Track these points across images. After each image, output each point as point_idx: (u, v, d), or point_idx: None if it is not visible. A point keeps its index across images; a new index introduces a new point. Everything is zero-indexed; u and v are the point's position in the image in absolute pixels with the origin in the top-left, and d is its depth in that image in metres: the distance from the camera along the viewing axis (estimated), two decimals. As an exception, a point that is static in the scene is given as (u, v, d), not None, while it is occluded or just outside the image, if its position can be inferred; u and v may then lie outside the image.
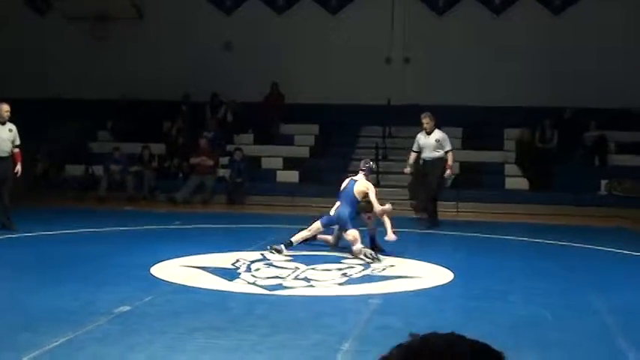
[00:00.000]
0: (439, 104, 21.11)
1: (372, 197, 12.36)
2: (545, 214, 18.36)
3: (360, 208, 12.44)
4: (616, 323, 8.11)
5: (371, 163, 13.38)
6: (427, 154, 16.04)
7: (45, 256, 11.70)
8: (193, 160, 20.71)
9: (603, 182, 20.01)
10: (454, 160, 16.63)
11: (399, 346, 1.67)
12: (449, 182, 17.89)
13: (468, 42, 22.38)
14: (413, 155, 16.33)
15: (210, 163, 20.63)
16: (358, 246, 11.94)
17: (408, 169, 16.47)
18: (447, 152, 15.93)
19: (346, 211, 12.27)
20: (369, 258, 11.65)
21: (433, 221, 15.95)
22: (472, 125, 21.66)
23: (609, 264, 12.34)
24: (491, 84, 21.94)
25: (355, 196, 12.38)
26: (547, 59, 21.80)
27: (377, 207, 12.31)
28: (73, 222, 15.48)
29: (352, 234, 12.06)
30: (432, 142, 15.94)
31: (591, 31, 21.79)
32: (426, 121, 16.07)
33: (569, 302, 9.22)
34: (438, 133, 16.07)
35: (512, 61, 21.92)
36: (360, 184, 12.50)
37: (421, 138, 16.14)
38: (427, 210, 16.20)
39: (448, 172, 15.98)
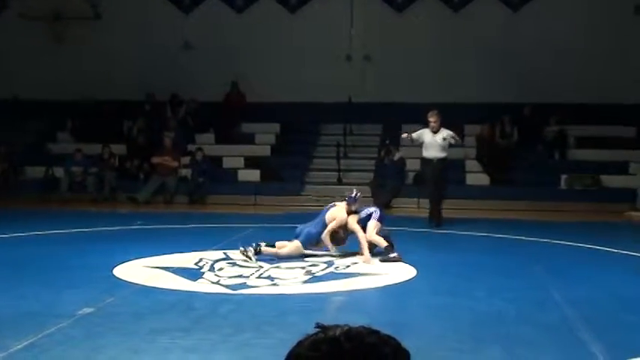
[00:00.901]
0: (399, 101, 21.26)
1: (330, 225, 11.84)
2: (506, 210, 18.50)
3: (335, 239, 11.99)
4: (576, 316, 8.20)
5: (356, 193, 12.33)
6: (432, 154, 15.57)
7: (4, 259, 11.55)
8: (155, 160, 20.58)
9: (563, 177, 20.20)
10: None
11: (302, 342, 1.66)
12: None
13: (427, 39, 22.48)
14: (410, 136, 15.75)
15: (175, 164, 20.52)
16: (278, 252, 11.69)
17: (405, 135, 15.87)
18: (452, 137, 15.54)
19: (311, 230, 11.94)
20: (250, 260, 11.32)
21: (439, 220, 15.75)
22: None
23: (569, 258, 12.45)
24: (451, 80, 22.07)
25: (325, 220, 11.97)
26: (507, 55, 21.96)
27: (324, 235, 11.86)
28: (34, 224, 15.32)
29: (295, 244, 11.79)
30: (438, 141, 15.46)
31: (549, 27, 22.00)
32: (434, 119, 15.53)
33: (531, 296, 9.30)
34: (443, 132, 15.55)
35: (472, 58, 22.08)
36: (335, 211, 12.05)
37: (426, 135, 15.57)
38: (433, 211, 15.92)
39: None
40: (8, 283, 9.73)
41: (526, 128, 21.26)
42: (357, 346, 1.61)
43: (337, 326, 1.66)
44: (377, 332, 1.65)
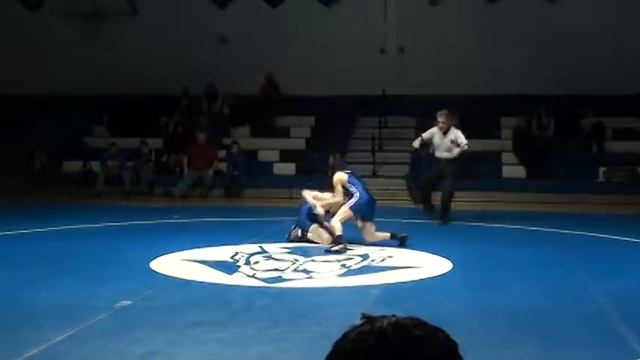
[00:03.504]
0: (434, 94, 21.14)
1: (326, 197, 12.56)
2: (543, 202, 18.37)
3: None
4: (614, 309, 8.14)
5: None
6: (442, 154, 15.06)
7: (43, 252, 11.68)
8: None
9: (601, 169, 20.03)
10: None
11: (345, 336, 1.66)
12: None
13: (462, 30, 22.35)
14: (418, 140, 15.48)
15: (216, 164, 20.68)
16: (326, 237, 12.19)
17: (416, 143, 15.46)
18: (461, 147, 14.90)
19: (305, 209, 12.66)
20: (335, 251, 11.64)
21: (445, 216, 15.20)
22: (468, 114, 21.62)
23: (607, 251, 12.36)
24: (486, 72, 21.91)
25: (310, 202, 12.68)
26: (543, 46, 21.77)
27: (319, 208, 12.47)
28: (71, 218, 15.47)
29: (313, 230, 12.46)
30: (447, 142, 14.92)
31: (585, 18, 21.77)
32: (442, 119, 14.97)
33: (567, 290, 9.25)
34: (453, 132, 14.99)
35: (507, 49, 21.91)
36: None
37: (436, 136, 15.08)
38: (442, 201, 15.33)
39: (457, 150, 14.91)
40: (47, 277, 9.85)
41: (563, 120, 21.09)
42: (403, 339, 1.60)
43: (384, 317, 1.64)
44: (424, 324, 1.63)
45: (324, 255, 11.40)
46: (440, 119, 15.04)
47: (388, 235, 12.18)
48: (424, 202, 15.74)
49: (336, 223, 11.88)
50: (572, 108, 21.18)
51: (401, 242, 12.10)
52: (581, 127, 21.17)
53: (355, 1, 22.97)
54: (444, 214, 15.19)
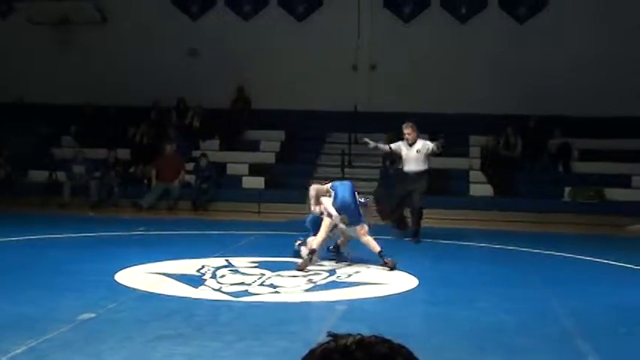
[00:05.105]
0: (405, 111, 21.20)
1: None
2: (510, 221, 18.47)
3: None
4: (575, 327, 8.20)
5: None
6: (411, 167, 15.06)
7: (4, 263, 11.56)
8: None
9: (567, 189, 20.17)
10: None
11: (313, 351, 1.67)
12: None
13: (434, 49, 22.49)
14: (384, 147, 15.71)
15: (183, 176, 20.50)
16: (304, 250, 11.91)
17: (372, 144, 15.52)
18: (432, 150, 15.06)
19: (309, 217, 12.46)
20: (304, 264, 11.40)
21: (417, 234, 15.18)
22: (438, 132, 21.73)
23: (571, 270, 12.45)
24: (457, 91, 22.08)
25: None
26: (512, 67, 21.97)
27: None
28: (35, 228, 15.30)
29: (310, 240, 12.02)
30: (414, 153, 15.00)
31: (556, 40, 22.00)
32: (408, 131, 15.03)
33: (531, 308, 9.30)
34: (419, 143, 15.11)
35: (477, 69, 22.09)
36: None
37: (403, 149, 15.13)
38: (413, 219, 15.32)
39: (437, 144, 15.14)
40: (8, 288, 9.74)
41: (530, 140, 21.26)
42: (368, 356, 1.61)
43: (349, 335, 1.66)
44: (389, 341, 1.66)
45: (291, 270, 11.37)
46: (406, 131, 15.14)
47: (379, 249, 11.88)
48: (399, 221, 15.59)
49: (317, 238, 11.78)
50: (539, 128, 21.37)
51: (387, 266, 11.83)
52: (548, 147, 21.34)
53: (328, 17, 23.03)
54: (417, 232, 15.19)
